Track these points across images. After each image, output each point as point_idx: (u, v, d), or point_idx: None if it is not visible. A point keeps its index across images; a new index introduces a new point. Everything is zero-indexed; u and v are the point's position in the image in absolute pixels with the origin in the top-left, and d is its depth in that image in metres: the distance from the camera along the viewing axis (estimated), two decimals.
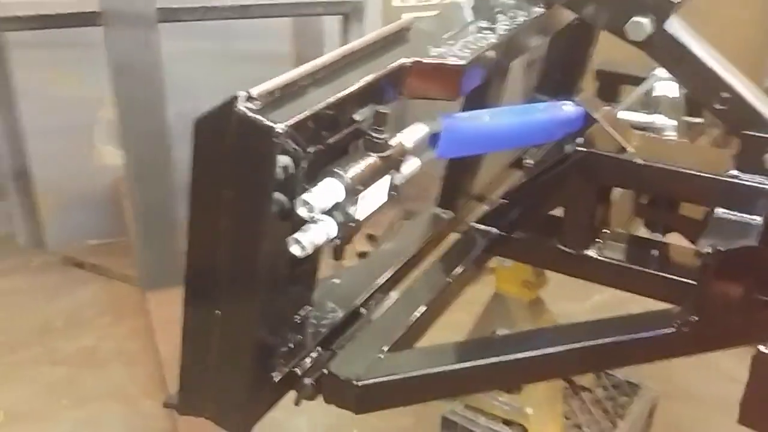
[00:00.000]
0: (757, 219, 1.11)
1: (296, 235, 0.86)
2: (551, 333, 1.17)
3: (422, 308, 1.18)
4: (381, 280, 1.23)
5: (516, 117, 1.17)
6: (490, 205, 1.40)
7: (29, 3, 2.28)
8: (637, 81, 1.60)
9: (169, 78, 2.04)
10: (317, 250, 0.98)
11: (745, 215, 1.12)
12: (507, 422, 1.61)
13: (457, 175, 1.40)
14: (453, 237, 1.40)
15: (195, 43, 2.47)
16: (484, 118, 1.12)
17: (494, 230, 1.37)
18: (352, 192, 0.88)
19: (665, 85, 1.56)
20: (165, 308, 2.06)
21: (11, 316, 2.32)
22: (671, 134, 1.47)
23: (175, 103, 2.03)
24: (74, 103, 2.46)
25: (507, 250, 1.39)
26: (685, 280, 1.20)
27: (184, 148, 0.88)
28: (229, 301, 0.93)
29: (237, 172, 0.84)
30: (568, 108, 1.21)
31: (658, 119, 1.48)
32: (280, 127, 0.79)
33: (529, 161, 1.54)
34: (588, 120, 1.24)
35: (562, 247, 1.31)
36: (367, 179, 0.90)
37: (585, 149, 1.22)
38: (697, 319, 1.05)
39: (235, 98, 0.80)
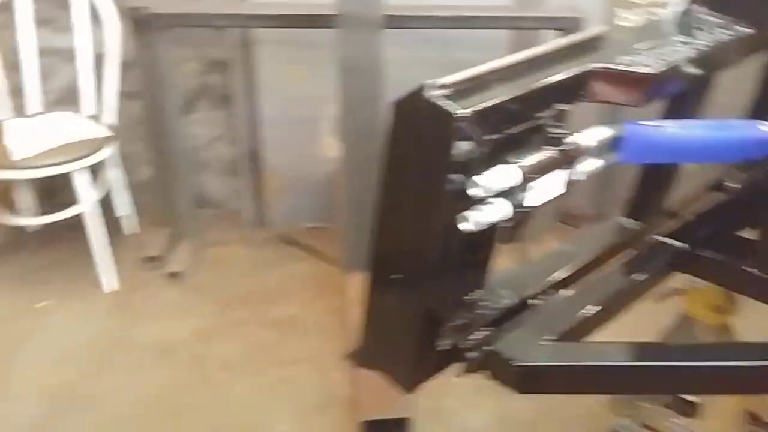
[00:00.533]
0: None
1: (467, 213, 0.95)
2: (738, 347, 1.15)
3: (593, 308, 1.22)
4: (555, 277, 1.28)
5: (707, 131, 1.17)
6: (679, 221, 1.40)
7: (276, 3, 2.57)
8: None
9: (388, 81, 2.21)
10: (490, 237, 1.07)
11: None
12: None
13: (648, 187, 1.40)
14: (636, 248, 1.41)
15: (415, 50, 2.63)
16: (671, 129, 1.14)
17: (680, 245, 1.37)
18: (525, 179, 0.95)
19: None
20: (360, 289, 2.23)
21: (232, 281, 2.63)
22: None
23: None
24: (305, 98, 2.72)
25: (692, 267, 1.37)
26: None
27: None
28: (407, 268, 1.04)
29: (421, 151, 0.94)
30: (765, 128, 1.19)
31: None
32: (461, 113, 0.89)
33: (730, 184, 1.51)
34: None
35: (753, 270, 1.28)
36: (541, 170, 0.96)
37: None
38: None
39: (425, 85, 0.91)
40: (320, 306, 2.49)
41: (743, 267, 1.29)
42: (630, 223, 1.43)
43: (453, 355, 1.14)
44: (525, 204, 0.98)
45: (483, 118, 0.92)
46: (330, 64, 2.30)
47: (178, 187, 2.70)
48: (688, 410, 1.68)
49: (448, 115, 0.89)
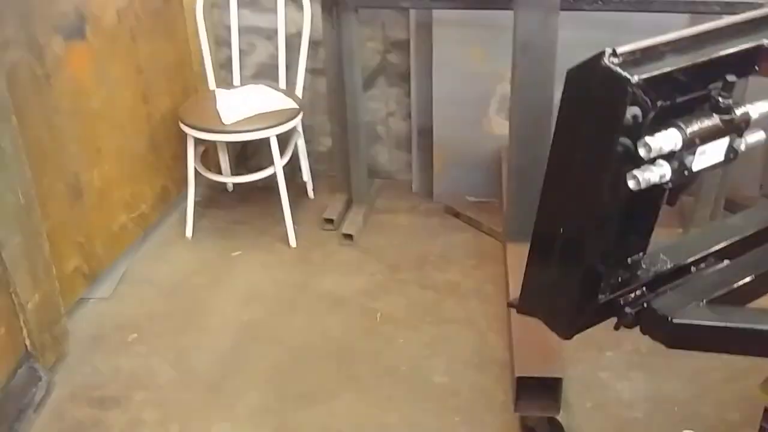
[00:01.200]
0: None
1: (634, 171, 1.05)
2: None
3: (749, 278, 1.28)
4: (715, 248, 1.35)
5: None
6: None
7: None
8: None
9: (560, 62, 2.30)
10: (656, 201, 1.17)
11: None
12: None
13: None
14: None
15: (590, 32, 2.68)
16: None
17: None
18: (689, 144, 1.04)
19: None
20: (520, 258, 2.34)
21: (399, 244, 2.82)
22: None
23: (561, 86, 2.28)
24: (476, 77, 2.86)
25: None
26: None
27: None
28: (573, 223, 1.16)
29: (594, 113, 1.06)
30: None
31: None
32: (634, 79, 0.99)
33: None
34: None
35: None
36: (706, 136, 1.05)
37: None
38: None
39: (602, 53, 1.02)
40: (480, 274, 2.63)
41: None
42: None
43: (611, 309, 1.25)
44: (690, 167, 1.07)
45: (655, 85, 1.02)
46: (501, 44, 2.42)
47: (355, 157, 2.92)
48: None
49: (622, 80, 1.00)
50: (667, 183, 1.07)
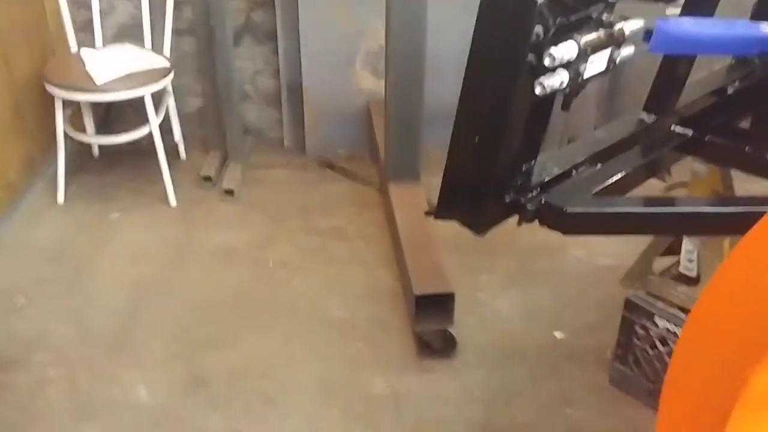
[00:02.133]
0: None
1: (540, 79, 1.25)
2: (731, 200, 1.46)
3: (619, 175, 1.54)
4: (590, 155, 1.60)
5: (719, 28, 1.47)
6: (688, 113, 1.71)
7: None
8: None
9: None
10: (548, 111, 1.37)
11: None
12: (682, 309, 1.90)
13: (664, 84, 1.71)
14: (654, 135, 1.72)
15: None
16: (690, 24, 1.44)
17: (690, 132, 1.68)
18: (583, 53, 1.25)
19: None
20: (402, 196, 2.54)
21: (279, 197, 2.93)
22: None
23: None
24: (342, 34, 3.00)
25: (699, 150, 1.69)
26: None
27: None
28: (486, 129, 1.34)
29: (505, 33, 1.24)
30: (765, 28, 1.49)
31: None
32: (540, 1, 1.18)
33: (730, 90, 1.82)
34: None
35: (748, 150, 1.59)
36: (594, 47, 1.27)
37: None
38: None
39: None
40: (361, 219, 2.79)
41: (740, 148, 1.61)
42: (648, 116, 1.75)
43: (514, 207, 1.46)
44: (582, 74, 1.28)
45: (554, 5, 1.21)
46: (365, 3, 2.57)
47: (229, 114, 2.98)
48: (690, 281, 2.01)
49: (530, 3, 1.19)
50: (565, 88, 1.28)
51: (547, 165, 1.54)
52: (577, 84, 1.29)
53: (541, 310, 2.37)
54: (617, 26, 1.30)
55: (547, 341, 2.24)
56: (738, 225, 1.42)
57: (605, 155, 1.63)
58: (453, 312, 2.09)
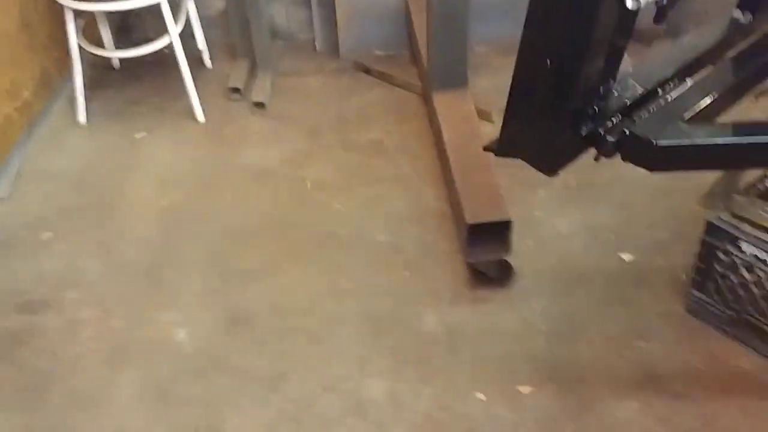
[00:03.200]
0: None
1: None
2: None
3: (713, 96, 1.29)
4: (677, 68, 1.35)
5: None
6: None
7: None
8: None
9: None
10: (632, 21, 1.12)
11: None
12: None
13: None
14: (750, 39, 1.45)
15: None
16: None
17: None
18: None
19: None
20: (448, 104, 2.31)
21: (313, 110, 2.71)
22: None
23: None
24: None
25: None
26: None
27: None
28: (562, 51, 1.10)
29: None
30: None
31: None
32: None
33: None
34: None
35: None
36: None
37: None
38: None
39: None
40: (402, 129, 2.57)
41: None
42: (743, 15, 1.47)
43: (591, 140, 1.24)
44: None
45: None
46: None
47: (255, 17, 2.72)
48: None
49: None
50: (663, 1, 1.03)
51: (628, 84, 1.30)
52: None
53: (605, 228, 2.17)
54: None
55: (614, 264, 2.05)
56: None
57: (695, 67, 1.38)
58: (510, 240, 1.90)
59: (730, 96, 1.33)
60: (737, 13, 1.46)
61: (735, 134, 1.18)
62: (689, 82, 1.33)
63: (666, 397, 1.71)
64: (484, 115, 2.46)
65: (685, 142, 1.18)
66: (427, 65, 2.44)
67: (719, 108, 1.31)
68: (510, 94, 1.22)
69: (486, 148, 1.32)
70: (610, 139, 1.22)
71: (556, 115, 1.17)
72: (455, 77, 2.32)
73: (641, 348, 1.82)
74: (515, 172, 2.32)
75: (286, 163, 2.46)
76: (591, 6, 1.03)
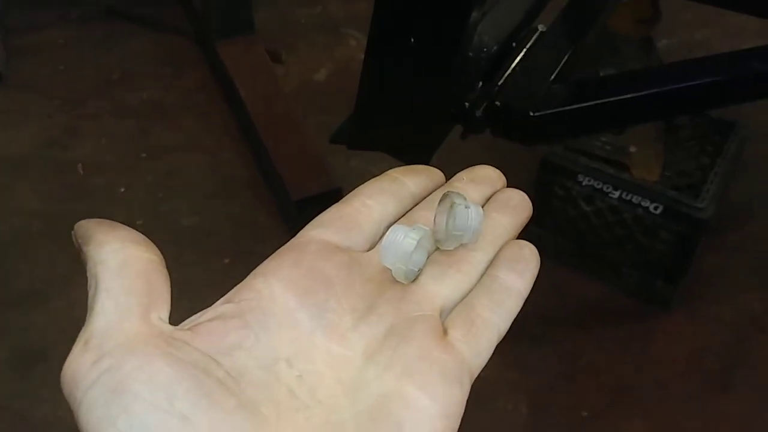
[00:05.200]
0: None
1: None
2: (719, 62, 1.12)
3: (573, 43, 1.14)
4: (523, 13, 1.17)
5: None
6: None
7: None
8: None
9: None
10: None
11: None
12: (608, 161, 1.63)
13: None
14: None
15: None
16: None
17: None
18: None
19: None
20: (239, 56, 1.99)
21: (67, 72, 2.24)
22: None
23: None
24: None
25: None
26: None
27: None
28: (428, 28, 0.88)
29: None
30: None
31: None
32: None
33: None
34: None
35: None
36: None
37: None
38: None
39: None
40: (182, 84, 2.21)
41: None
42: None
43: (457, 116, 1.04)
44: None
45: None
46: None
47: None
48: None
49: None
50: None
51: (482, 41, 1.11)
52: None
53: (463, 156, 2.02)
54: None
55: None
56: None
57: (539, 7, 1.21)
58: None
59: (587, 39, 1.19)
60: None
61: (624, 88, 1.04)
62: (541, 27, 1.16)
63: (526, 344, 1.65)
64: (273, 57, 2.18)
65: (566, 108, 1.02)
66: (202, 9, 2.08)
67: (579, 54, 1.17)
68: (362, 74, 0.98)
69: (333, 140, 1.08)
70: (478, 113, 1.03)
71: (424, 97, 0.96)
72: (240, 21, 1.99)
73: None
74: (324, 117, 2.09)
75: (45, 146, 2.02)
76: None
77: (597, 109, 1.04)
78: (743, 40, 2.12)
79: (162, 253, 0.36)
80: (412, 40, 0.89)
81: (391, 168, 0.49)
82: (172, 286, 0.39)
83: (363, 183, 0.47)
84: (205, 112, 2.12)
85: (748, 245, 1.80)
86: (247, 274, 0.41)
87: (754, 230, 1.82)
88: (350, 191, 0.46)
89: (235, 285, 0.40)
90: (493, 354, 0.40)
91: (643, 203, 1.57)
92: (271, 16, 2.36)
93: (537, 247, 0.44)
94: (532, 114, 1.01)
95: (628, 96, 1.05)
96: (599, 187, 1.63)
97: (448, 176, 0.49)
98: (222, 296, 0.40)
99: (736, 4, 1.25)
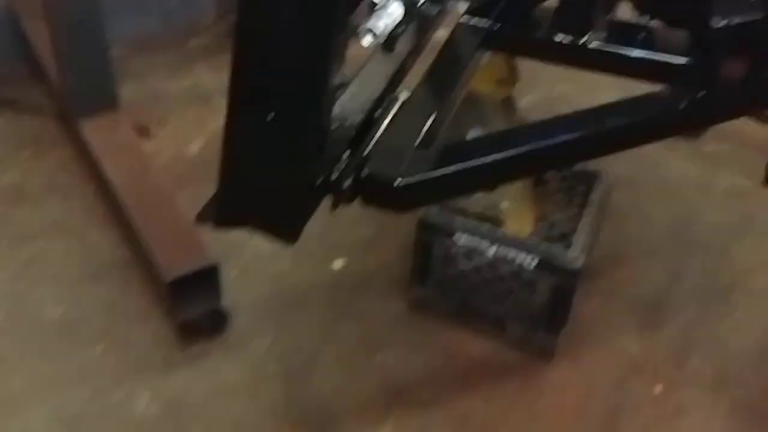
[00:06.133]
0: None
1: (369, 24, 0.79)
2: (578, 119, 1.16)
3: (437, 108, 1.16)
4: (386, 81, 1.19)
5: None
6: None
7: None
8: None
9: None
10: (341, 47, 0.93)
11: None
12: (483, 218, 1.66)
13: None
14: (446, 32, 1.35)
15: None
16: None
17: (485, 23, 1.34)
18: None
19: None
20: (104, 134, 1.91)
21: None
22: None
23: None
24: None
25: (500, 43, 1.36)
26: (675, 60, 1.24)
27: None
28: (287, 104, 0.86)
29: None
30: None
31: None
32: None
33: None
34: None
35: (559, 37, 1.30)
36: None
37: None
38: (704, 94, 1.10)
39: None
40: (44, 166, 2.10)
41: (547, 36, 1.31)
42: (431, 6, 1.36)
43: (326, 188, 1.03)
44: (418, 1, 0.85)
45: None
46: None
47: None
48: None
49: None
50: (401, 27, 0.84)
51: (345, 111, 1.11)
52: (411, 15, 0.86)
53: (309, 237, 2.00)
54: None
55: (327, 276, 1.90)
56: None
57: (402, 75, 1.23)
58: (220, 285, 1.64)
59: (449, 102, 1.22)
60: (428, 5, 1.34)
61: (489, 150, 1.06)
62: (404, 93, 1.18)
63: (417, 409, 1.63)
64: (142, 132, 2.12)
65: (434, 174, 1.03)
66: (62, 86, 1.99)
67: (442, 119, 1.19)
68: (227, 141, 0.95)
69: (199, 219, 1.04)
70: (346, 184, 1.02)
71: (285, 170, 0.94)
72: (103, 97, 1.92)
73: (379, 362, 1.71)
74: (196, 189, 2.04)
75: None
76: (324, 38, 0.80)
77: (463, 172, 1.06)
78: (599, 93, 2.23)
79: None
80: (271, 115, 0.87)
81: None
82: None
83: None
84: (69, 193, 2.02)
85: (620, 290, 1.87)
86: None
87: (624, 275, 1.90)
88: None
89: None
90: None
91: (519, 258, 1.61)
92: (139, 90, 2.30)
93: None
94: (399, 182, 1.02)
95: (494, 158, 1.07)
96: (476, 244, 1.65)
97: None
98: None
99: (584, 64, 1.31)
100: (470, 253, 1.66)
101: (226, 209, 1.00)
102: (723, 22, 1.05)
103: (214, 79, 2.41)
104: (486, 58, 1.54)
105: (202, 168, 2.08)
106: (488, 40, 1.33)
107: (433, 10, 1.34)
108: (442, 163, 1.05)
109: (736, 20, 1.04)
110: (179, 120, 2.28)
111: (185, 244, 1.64)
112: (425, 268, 1.73)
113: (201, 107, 2.30)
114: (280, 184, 0.95)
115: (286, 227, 0.99)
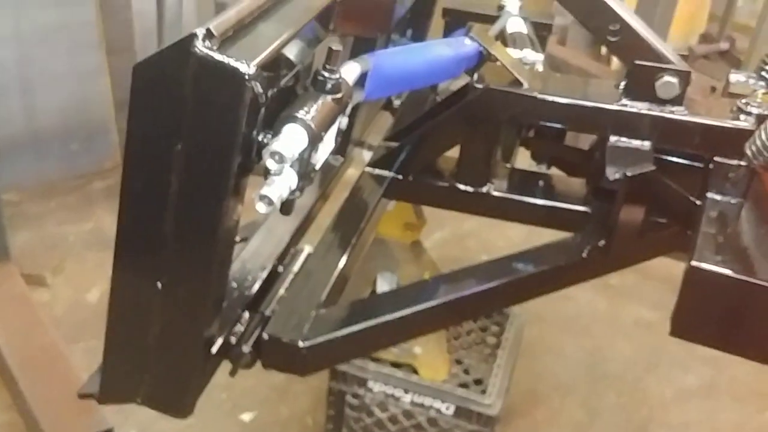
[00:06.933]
0: (647, 144, 1.17)
1: (263, 191, 0.76)
2: (485, 270, 1.15)
3: (342, 260, 1.13)
4: (289, 235, 1.16)
5: (427, 54, 1.13)
6: (382, 149, 1.36)
7: None
8: (483, 18, 1.59)
9: None
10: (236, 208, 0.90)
11: (635, 141, 1.17)
12: (396, 365, 1.61)
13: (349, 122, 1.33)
14: (350, 182, 1.34)
15: None
16: (402, 56, 1.07)
17: (388, 174, 1.34)
18: (316, 138, 0.80)
19: (516, 22, 1.59)
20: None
21: None
22: (540, 68, 1.51)
23: None
24: None
25: (404, 193, 1.36)
26: (575, 208, 1.26)
27: None
28: (177, 271, 0.81)
29: (194, 122, 0.72)
30: (468, 44, 1.20)
31: (529, 54, 1.50)
32: (251, 70, 0.69)
33: (396, 102, 1.54)
34: (481, 56, 1.23)
35: (461, 186, 1.30)
36: (327, 123, 0.82)
37: (483, 86, 1.20)
38: (604, 243, 1.12)
39: (193, 36, 0.68)
40: None
41: (450, 185, 1.32)
42: (335, 158, 1.36)
43: (224, 352, 0.97)
44: (314, 165, 0.83)
45: (266, 70, 0.73)
46: None
47: None
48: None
49: (236, 75, 0.69)
50: (296, 193, 0.82)
51: (245, 269, 1.06)
52: (308, 179, 0.84)
53: (216, 387, 1.89)
54: (343, 84, 0.86)
55: (236, 429, 1.79)
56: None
57: (305, 228, 1.21)
58: None
59: (355, 252, 1.19)
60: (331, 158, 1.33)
61: (396, 306, 1.02)
62: (307, 248, 1.14)
63: None
64: (35, 281, 2.00)
65: (340, 333, 0.98)
66: None
67: (349, 271, 1.15)
68: (108, 328, 0.88)
69: (82, 395, 0.95)
70: (246, 349, 0.96)
71: (178, 341, 0.88)
72: None
73: None
74: (88, 343, 1.91)
75: None
76: (213, 219, 0.76)
77: (371, 330, 1.02)
78: (505, 229, 2.28)
79: None
80: (160, 282, 0.82)
81: None
82: None
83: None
84: None
85: (538, 430, 1.83)
86: None
87: (542, 414, 1.86)
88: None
89: None
90: None
91: (434, 404, 1.55)
92: (33, 237, 2.20)
93: None
94: (301, 344, 0.96)
95: (402, 314, 1.04)
96: (390, 392, 1.59)
97: None
98: None
99: (488, 211, 1.31)
100: (385, 401, 1.60)
101: (112, 383, 0.92)
102: (616, 174, 1.07)
103: (116, 222, 2.33)
104: (392, 205, 1.55)
105: (101, 317, 1.97)
106: (392, 190, 1.32)
107: (337, 161, 1.34)
108: (349, 321, 1.00)
109: (629, 172, 1.06)
110: (78, 266, 2.18)
111: (77, 407, 1.51)
112: (339, 418, 1.65)
113: (101, 252, 2.21)
114: (171, 354, 0.88)
115: (177, 400, 0.92)
